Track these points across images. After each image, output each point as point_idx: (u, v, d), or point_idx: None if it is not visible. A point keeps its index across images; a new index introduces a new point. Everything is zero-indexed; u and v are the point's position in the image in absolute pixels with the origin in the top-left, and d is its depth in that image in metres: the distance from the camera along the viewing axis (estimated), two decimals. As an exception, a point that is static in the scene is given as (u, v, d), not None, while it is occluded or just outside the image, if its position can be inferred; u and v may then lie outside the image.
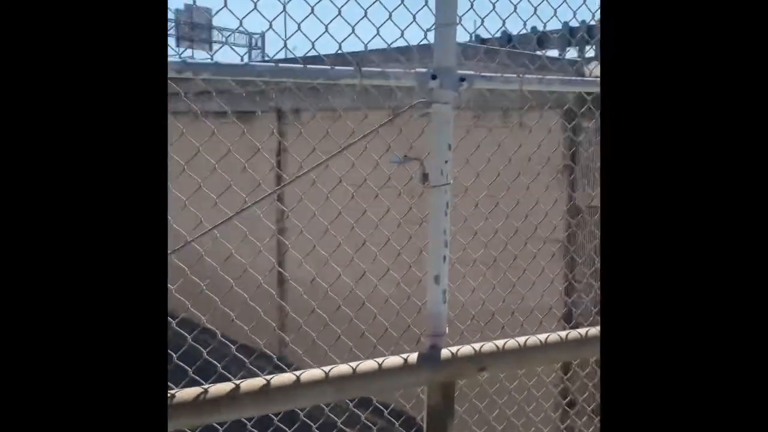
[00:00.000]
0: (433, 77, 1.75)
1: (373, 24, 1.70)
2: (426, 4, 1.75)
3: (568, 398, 3.26)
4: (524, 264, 2.32)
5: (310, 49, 1.68)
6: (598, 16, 2.25)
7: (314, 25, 1.64)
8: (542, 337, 1.94)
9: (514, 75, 1.90)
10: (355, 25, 1.68)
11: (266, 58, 12.05)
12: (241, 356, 1.81)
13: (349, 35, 1.68)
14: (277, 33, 1.84)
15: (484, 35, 7.36)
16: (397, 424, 2.24)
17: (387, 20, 1.72)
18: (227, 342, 1.84)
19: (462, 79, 1.80)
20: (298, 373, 1.65)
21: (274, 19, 1.61)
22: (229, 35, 17.49)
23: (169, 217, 1.32)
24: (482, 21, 1.88)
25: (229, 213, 1.68)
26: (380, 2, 1.72)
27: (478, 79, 1.85)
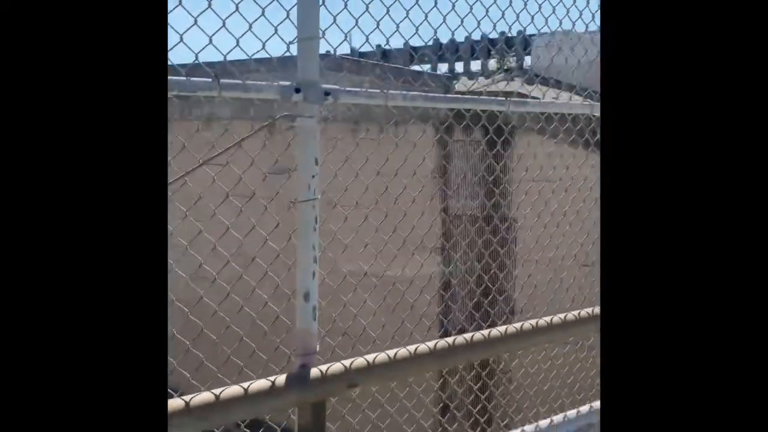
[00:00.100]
0: (297, 91, 1.72)
1: (233, 35, 1.64)
2: (287, 16, 1.72)
3: (441, 404, 3.35)
4: (397, 273, 2.35)
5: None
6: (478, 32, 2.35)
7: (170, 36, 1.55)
8: (412, 348, 1.96)
9: (378, 90, 1.91)
10: (213, 35, 1.61)
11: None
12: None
13: (207, 45, 1.61)
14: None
15: (380, 48, 7.44)
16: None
17: (247, 31, 1.66)
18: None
19: (327, 93, 1.79)
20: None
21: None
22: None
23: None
24: (346, 36, 1.88)
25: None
26: (239, 13, 1.67)
27: (343, 94, 1.84)
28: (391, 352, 1.92)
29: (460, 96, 2.28)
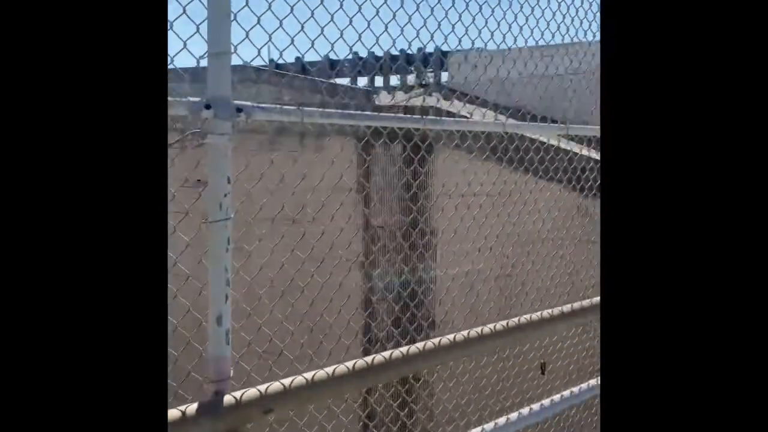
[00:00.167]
0: (207, 107, 1.66)
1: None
2: (198, 30, 1.66)
3: (361, 423, 3.32)
4: (315, 293, 2.31)
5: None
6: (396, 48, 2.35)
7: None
8: (330, 369, 1.92)
9: (294, 107, 1.88)
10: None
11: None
12: None
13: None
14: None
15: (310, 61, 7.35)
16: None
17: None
18: None
19: (239, 109, 1.74)
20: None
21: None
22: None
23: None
24: (259, 51, 1.83)
25: None
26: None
27: (256, 111, 1.79)
28: (309, 375, 1.87)
29: (377, 114, 2.27)
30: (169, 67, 1.71)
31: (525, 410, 2.79)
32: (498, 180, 3.14)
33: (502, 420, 2.70)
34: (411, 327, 3.21)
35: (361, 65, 7.33)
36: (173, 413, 1.61)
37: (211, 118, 1.67)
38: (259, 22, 1.81)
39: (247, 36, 1.75)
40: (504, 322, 2.50)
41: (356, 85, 8.09)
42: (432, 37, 2.31)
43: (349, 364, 1.96)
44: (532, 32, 2.66)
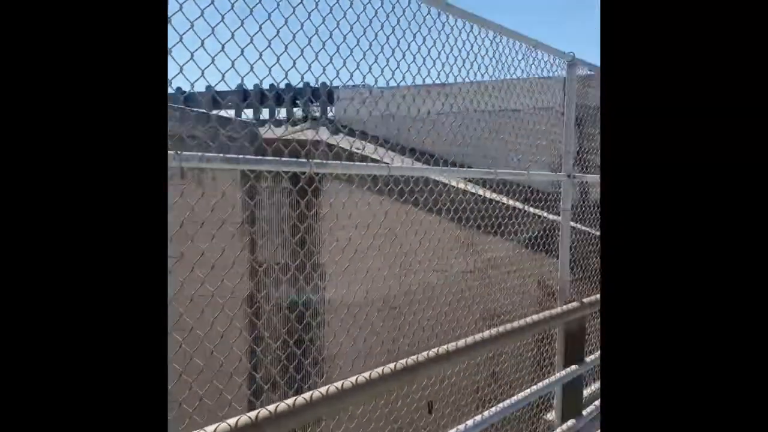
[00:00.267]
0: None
1: None
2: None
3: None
4: (206, 329, 2.20)
5: None
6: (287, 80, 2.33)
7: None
8: (233, 421, 1.83)
9: (171, 152, 1.80)
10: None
11: None
12: None
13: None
14: None
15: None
16: None
17: None
18: None
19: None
20: None
21: None
22: None
23: None
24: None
25: None
26: None
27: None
28: (211, 428, 1.77)
29: (261, 158, 2.19)
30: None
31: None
32: (388, 213, 3.18)
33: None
34: (305, 362, 3.14)
35: (249, 98, 7.24)
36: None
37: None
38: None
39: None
40: (392, 365, 2.44)
41: (243, 117, 7.96)
42: (324, 71, 2.33)
43: (232, 421, 1.86)
44: (419, 70, 2.75)
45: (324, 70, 2.32)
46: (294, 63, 2.19)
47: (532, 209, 4.28)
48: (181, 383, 2.05)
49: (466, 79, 3.09)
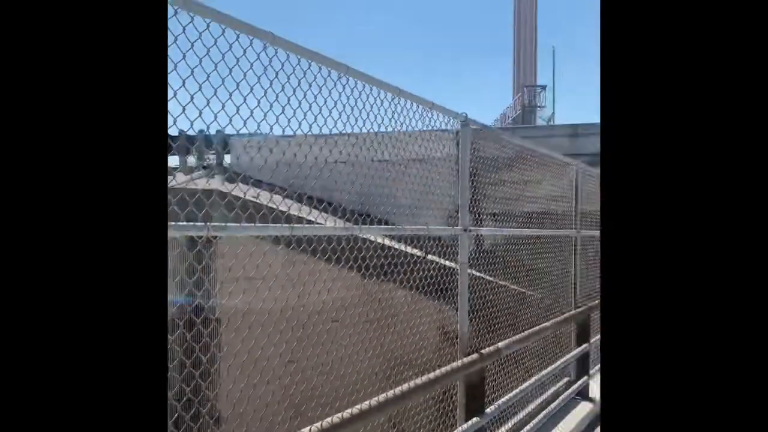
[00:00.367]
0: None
1: None
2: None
3: None
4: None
5: None
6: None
7: None
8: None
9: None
10: None
11: None
12: None
13: None
14: None
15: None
16: None
17: None
18: None
19: None
20: None
21: None
22: None
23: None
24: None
25: None
26: None
27: None
28: None
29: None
30: None
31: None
32: (286, 263, 3.07)
33: None
34: (195, 426, 2.92)
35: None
36: None
37: None
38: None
39: None
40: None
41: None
42: (215, 118, 2.23)
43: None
44: (315, 119, 2.72)
45: (215, 116, 2.23)
46: (183, 109, 2.08)
47: (430, 256, 4.31)
48: None
49: (368, 130, 3.10)
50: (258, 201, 2.69)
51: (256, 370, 3.55)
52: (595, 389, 6.10)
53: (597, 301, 6.75)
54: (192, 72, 2.09)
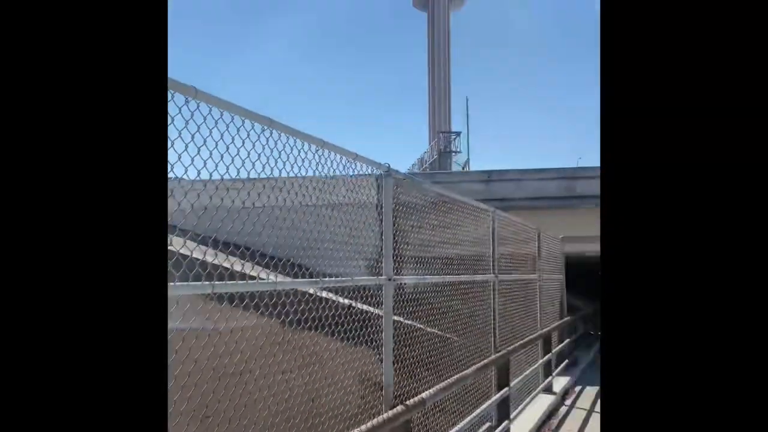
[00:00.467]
0: None
1: None
2: None
3: None
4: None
5: None
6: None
7: None
8: None
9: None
10: None
11: None
12: None
13: None
14: None
15: None
16: None
17: None
18: None
19: None
20: None
21: None
22: None
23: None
24: None
25: None
26: None
27: None
28: None
29: None
30: None
31: None
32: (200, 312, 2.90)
33: None
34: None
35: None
36: None
37: None
38: None
39: None
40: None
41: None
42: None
43: None
44: (238, 172, 2.63)
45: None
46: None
47: (347, 301, 4.23)
48: None
49: (288, 174, 3.04)
50: (171, 247, 2.52)
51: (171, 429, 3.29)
52: (515, 433, 6.12)
53: (517, 344, 6.85)
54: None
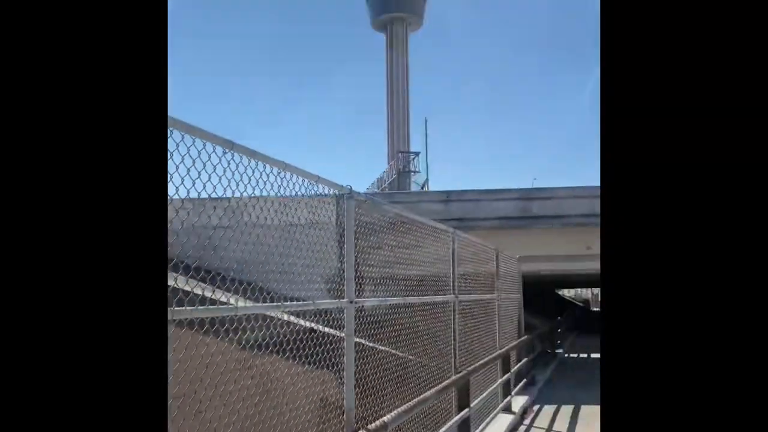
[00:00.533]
0: None
1: None
2: None
3: None
4: None
5: None
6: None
7: None
8: None
9: None
10: None
11: None
12: None
13: None
14: None
15: None
16: None
17: None
18: None
19: None
20: None
21: None
22: None
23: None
24: None
25: None
26: None
27: None
28: None
29: None
30: None
31: None
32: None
33: None
34: None
35: None
36: None
37: None
38: None
39: None
40: None
41: None
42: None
43: None
44: (199, 195, 2.60)
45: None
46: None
47: (310, 324, 4.19)
48: None
49: (249, 195, 3.01)
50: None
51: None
52: (476, 454, 6.12)
53: (477, 364, 6.89)
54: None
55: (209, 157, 2.66)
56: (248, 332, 3.22)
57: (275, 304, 3.21)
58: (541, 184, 16.16)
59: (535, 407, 10.13)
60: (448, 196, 15.04)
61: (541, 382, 12.43)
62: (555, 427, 8.91)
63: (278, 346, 3.57)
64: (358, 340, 4.15)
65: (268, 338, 3.61)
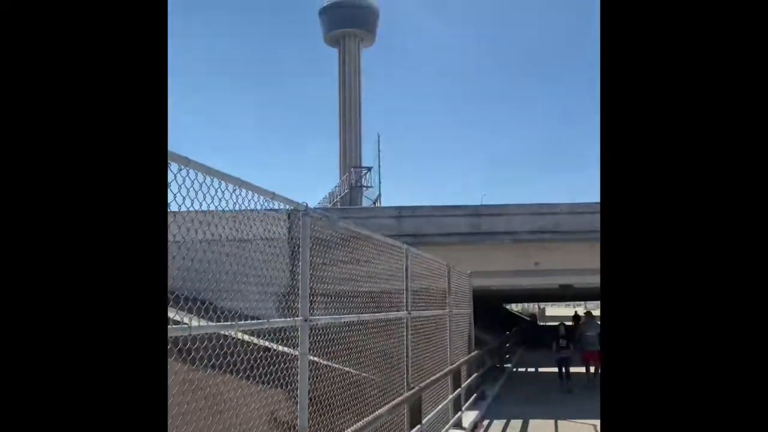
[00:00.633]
0: None
1: None
2: None
3: None
4: None
5: None
6: None
7: None
8: None
9: None
10: None
11: None
12: None
13: None
14: None
15: None
16: None
17: None
18: None
19: None
20: None
21: None
22: None
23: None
24: None
25: None
26: None
27: None
28: None
29: None
30: None
31: None
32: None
33: None
34: None
35: None
36: None
37: None
38: None
39: None
40: None
41: None
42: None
43: None
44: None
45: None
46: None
47: (264, 343, 4.13)
48: None
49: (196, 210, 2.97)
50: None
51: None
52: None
53: (429, 380, 6.92)
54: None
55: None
56: (202, 353, 3.16)
57: (230, 323, 3.16)
58: (489, 202, 16.46)
59: (485, 422, 10.23)
60: (400, 212, 15.13)
61: (491, 397, 12.56)
62: (505, 442, 9.01)
63: (233, 367, 3.51)
64: (313, 358, 4.12)
65: (221, 358, 3.54)
